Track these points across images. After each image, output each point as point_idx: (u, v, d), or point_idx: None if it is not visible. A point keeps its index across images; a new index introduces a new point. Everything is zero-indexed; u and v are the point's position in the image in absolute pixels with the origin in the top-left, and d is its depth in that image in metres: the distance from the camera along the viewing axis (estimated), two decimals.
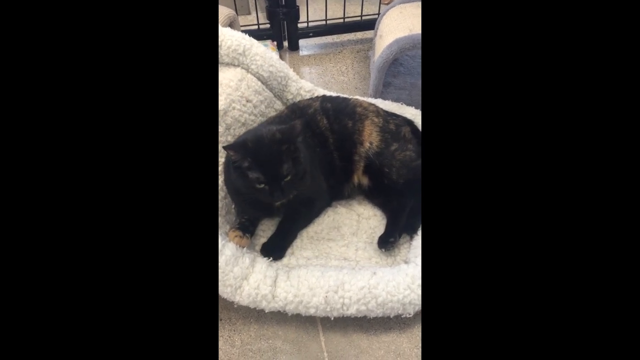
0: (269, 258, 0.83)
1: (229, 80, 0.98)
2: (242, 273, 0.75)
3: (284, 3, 1.44)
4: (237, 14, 1.38)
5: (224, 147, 0.75)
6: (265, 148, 0.75)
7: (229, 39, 1.00)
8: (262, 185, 0.76)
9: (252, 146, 0.75)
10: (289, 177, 0.76)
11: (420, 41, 1.12)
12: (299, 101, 1.05)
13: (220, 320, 0.82)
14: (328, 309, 0.75)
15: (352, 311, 0.75)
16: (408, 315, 0.77)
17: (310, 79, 1.44)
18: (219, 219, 0.86)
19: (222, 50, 1.00)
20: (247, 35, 1.03)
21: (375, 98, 1.24)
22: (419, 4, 1.29)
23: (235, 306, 0.78)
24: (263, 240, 0.89)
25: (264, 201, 0.80)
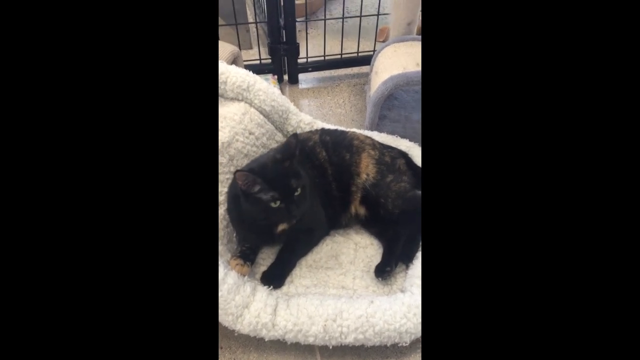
0: (269, 286, 0.85)
1: (233, 114, 1.03)
2: (243, 302, 0.77)
3: (284, 40, 1.52)
4: (240, 49, 1.45)
5: (235, 173, 0.78)
6: (271, 169, 0.80)
7: (234, 75, 1.06)
8: (278, 204, 0.79)
9: (259, 170, 0.80)
10: (299, 191, 0.81)
11: (413, 78, 1.19)
12: (299, 134, 1.10)
13: (221, 348, 0.83)
14: (327, 338, 0.77)
15: (350, 340, 0.77)
16: (404, 344, 0.79)
17: (309, 111, 1.51)
18: (221, 247, 0.89)
19: (228, 86, 1.05)
20: (250, 72, 1.09)
21: (372, 130, 1.30)
22: (412, 43, 1.38)
23: (236, 334, 0.79)
24: (263, 268, 0.92)
25: (279, 222, 0.84)
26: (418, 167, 1.10)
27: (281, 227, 0.87)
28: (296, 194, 0.80)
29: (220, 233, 0.90)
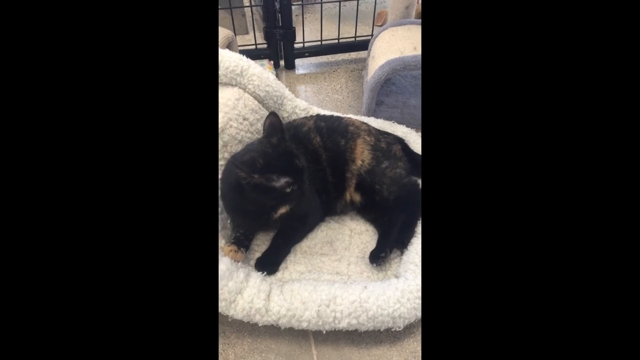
0: (263, 272, 0.85)
1: (226, 100, 1.01)
2: (237, 287, 0.77)
3: (280, 24, 1.50)
4: (236, 34, 1.43)
5: (234, 165, 0.76)
6: (275, 156, 0.79)
7: (227, 60, 1.04)
8: (291, 188, 0.78)
9: (264, 161, 0.77)
10: (305, 169, 0.81)
11: (410, 63, 1.17)
12: (293, 120, 1.09)
13: None
14: (320, 323, 0.77)
15: (343, 325, 0.77)
16: (398, 329, 0.79)
17: (306, 97, 1.49)
18: None
19: (221, 71, 1.04)
20: (244, 57, 1.07)
21: (368, 116, 1.28)
22: (410, 27, 1.35)
23: (230, 320, 0.80)
24: (258, 254, 0.92)
25: (290, 203, 0.83)
26: (414, 153, 1.09)
27: (281, 211, 0.86)
28: (305, 173, 0.80)
29: None
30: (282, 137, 0.82)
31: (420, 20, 1.42)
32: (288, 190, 0.78)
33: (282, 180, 0.77)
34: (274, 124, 0.83)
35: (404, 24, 1.37)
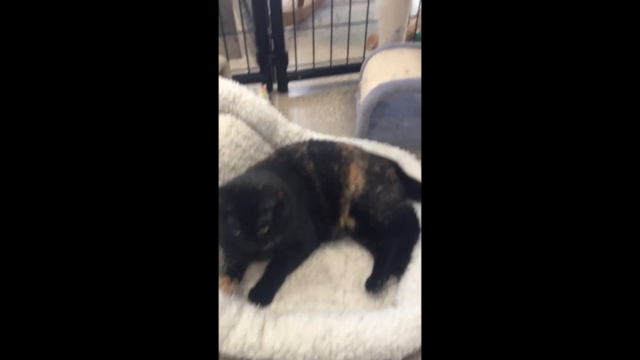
0: (257, 304, 0.83)
1: (219, 127, 1.01)
2: (229, 322, 0.75)
3: (273, 49, 1.51)
4: (229, 59, 1.44)
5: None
6: (247, 197, 0.78)
7: (220, 87, 1.04)
8: (238, 232, 0.78)
9: (238, 192, 0.78)
10: (265, 229, 0.78)
11: (402, 86, 1.18)
12: (286, 145, 1.08)
13: None
14: (316, 357, 0.75)
15: (340, 358, 0.75)
16: None
17: (299, 120, 1.49)
18: None
19: None
20: (237, 84, 1.08)
21: (362, 138, 1.28)
22: (401, 50, 1.37)
23: (222, 357, 0.77)
24: (251, 285, 0.89)
25: (239, 245, 0.82)
26: (408, 176, 1.09)
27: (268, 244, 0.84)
28: (262, 231, 0.78)
29: None
30: (275, 194, 0.78)
31: (411, 43, 1.44)
32: (235, 232, 0.78)
33: (232, 219, 0.77)
34: (277, 194, 0.79)
35: (396, 47, 1.39)
